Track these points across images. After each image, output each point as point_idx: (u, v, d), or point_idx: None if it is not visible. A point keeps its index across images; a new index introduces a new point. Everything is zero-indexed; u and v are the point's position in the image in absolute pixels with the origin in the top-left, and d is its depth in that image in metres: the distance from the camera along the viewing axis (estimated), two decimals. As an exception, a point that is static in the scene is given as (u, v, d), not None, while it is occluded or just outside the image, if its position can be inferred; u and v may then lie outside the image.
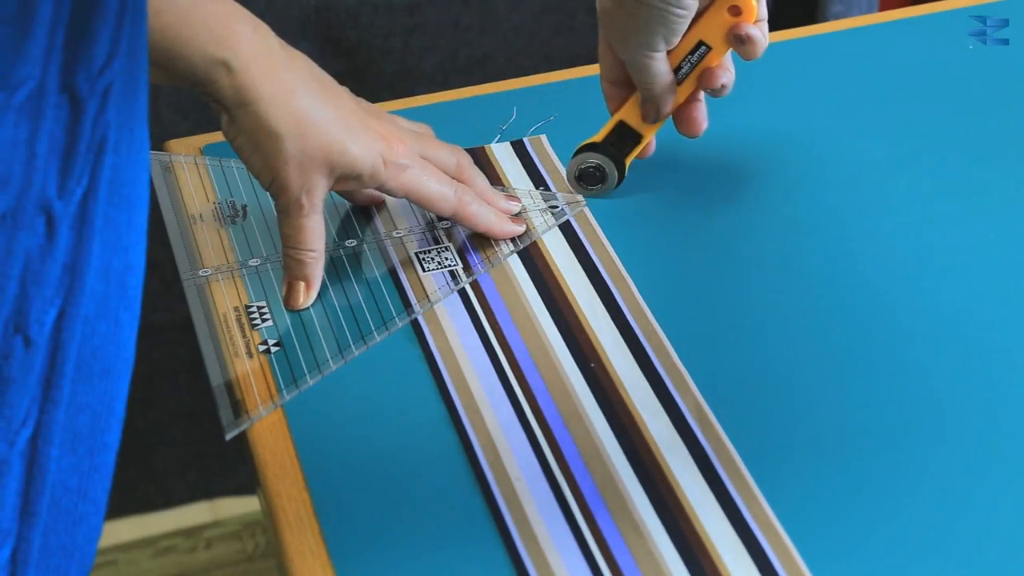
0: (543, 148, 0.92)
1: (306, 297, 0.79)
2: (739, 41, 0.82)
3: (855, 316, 0.78)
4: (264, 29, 0.77)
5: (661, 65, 0.83)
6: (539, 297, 0.80)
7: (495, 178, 0.89)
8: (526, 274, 0.82)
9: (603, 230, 0.85)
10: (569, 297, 0.80)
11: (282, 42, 0.78)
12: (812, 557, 0.65)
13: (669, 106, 0.85)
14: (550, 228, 0.85)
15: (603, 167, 0.86)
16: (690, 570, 0.65)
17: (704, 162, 0.90)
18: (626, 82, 0.86)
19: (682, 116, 0.86)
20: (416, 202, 0.82)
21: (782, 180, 0.89)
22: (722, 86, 0.84)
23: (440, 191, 0.81)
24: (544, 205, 0.86)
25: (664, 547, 0.66)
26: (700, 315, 0.79)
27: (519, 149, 0.92)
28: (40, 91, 0.52)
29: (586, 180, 0.87)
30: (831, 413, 0.73)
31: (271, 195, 0.79)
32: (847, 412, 0.73)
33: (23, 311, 0.53)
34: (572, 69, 1.00)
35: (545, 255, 0.83)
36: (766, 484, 0.68)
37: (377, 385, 0.75)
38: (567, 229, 0.85)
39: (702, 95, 0.86)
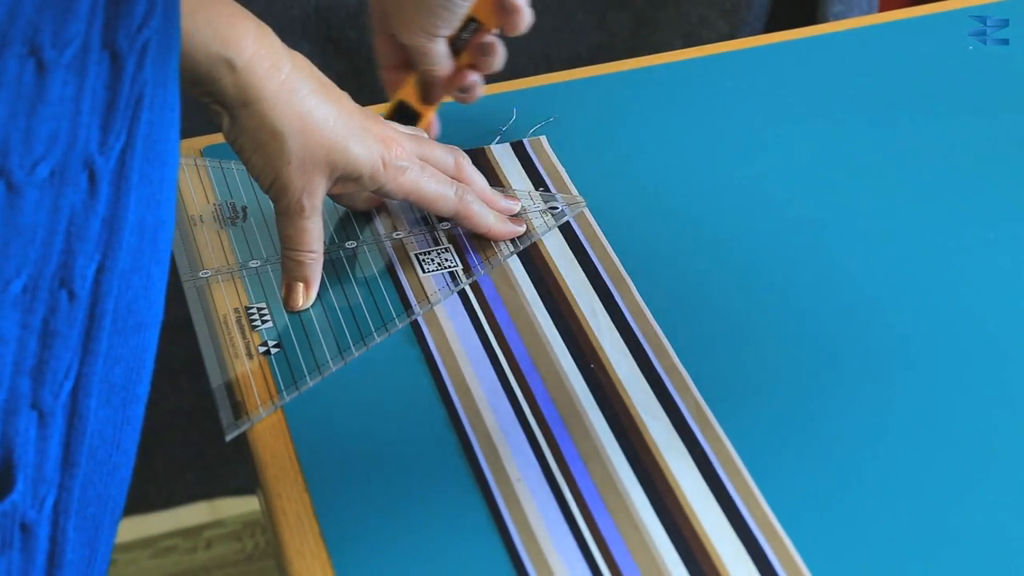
0: (543, 149, 0.92)
1: (305, 298, 0.79)
2: (505, 11, 0.86)
3: (855, 316, 0.78)
4: (266, 29, 0.77)
5: (442, 48, 0.86)
6: (539, 298, 0.80)
7: (495, 179, 0.89)
8: (526, 275, 0.82)
9: (603, 230, 0.85)
10: (569, 297, 0.80)
11: (283, 44, 0.78)
12: (812, 557, 0.65)
13: (447, 86, 0.89)
14: (550, 229, 0.85)
15: None
16: (690, 570, 0.65)
17: (704, 162, 0.91)
18: (404, 65, 0.89)
19: (458, 88, 0.90)
20: (416, 204, 0.82)
21: (782, 180, 0.89)
22: (493, 58, 0.88)
23: (440, 192, 0.81)
24: (544, 206, 0.86)
25: (664, 547, 0.66)
26: (700, 315, 0.79)
27: (519, 150, 0.92)
28: (85, 48, 0.53)
29: None
30: (831, 413, 0.73)
31: (271, 197, 0.79)
32: (847, 412, 0.73)
33: (68, 265, 0.55)
34: (572, 70, 1.00)
35: (545, 256, 0.83)
36: (766, 484, 0.69)
37: (377, 385, 0.75)
38: (567, 230, 0.85)
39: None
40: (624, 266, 0.82)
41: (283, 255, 0.80)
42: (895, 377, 0.75)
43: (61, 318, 0.55)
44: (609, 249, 0.83)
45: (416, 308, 0.79)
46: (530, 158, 0.91)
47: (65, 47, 0.53)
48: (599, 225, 0.85)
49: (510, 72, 0.96)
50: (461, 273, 0.82)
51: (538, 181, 0.89)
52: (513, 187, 0.88)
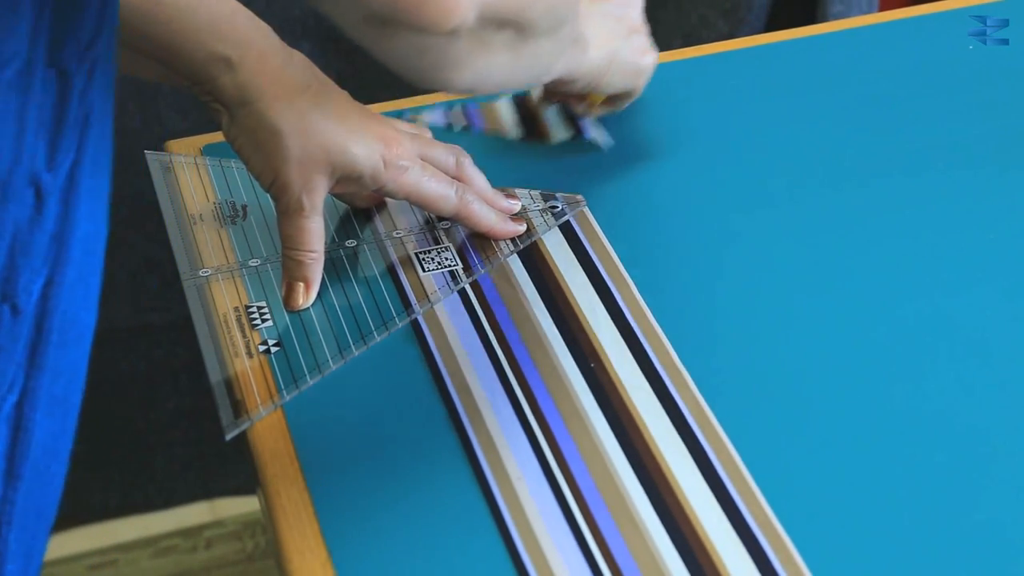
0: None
1: (306, 298, 0.79)
2: None
3: (855, 315, 0.78)
4: (266, 29, 0.77)
5: None
6: (539, 297, 0.80)
7: (538, 130, 0.91)
8: (526, 274, 0.82)
9: (603, 230, 0.85)
10: (569, 297, 0.80)
11: (283, 42, 0.78)
12: (812, 557, 0.65)
13: None
14: (550, 228, 0.85)
15: None
16: (689, 569, 0.65)
17: (704, 162, 0.90)
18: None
19: None
20: (417, 203, 0.82)
21: (782, 180, 0.89)
22: None
23: (441, 192, 0.81)
24: (544, 205, 0.86)
25: (664, 546, 0.66)
26: (700, 315, 0.79)
27: (567, 231, 0.92)
28: (28, 66, 0.53)
29: None
30: (831, 413, 0.73)
31: (272, 196, 0.79)
32: (847, 412, 0.73)
33: (11, 280, 0.55)
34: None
35: (545, 255, 0.83)
36: (766, 483, 0.69)
37: (377, 385, 0.75)
38: (567, 229, 0.85)
39: None
40: (624, 265, 0.82)
41: (283, 254, 0.80)
42: (895, 376, 0.75)
43: (4, 332, 0.55)
44: (609, 248, 0.83)
45: (416, 307, 0.79)
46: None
47: (5, 66, 0.53)
48: (599, 224, 0.85)
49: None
50: (461, 272, 0.82)
51: (579, 128, 0.91)
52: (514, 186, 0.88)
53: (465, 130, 0.93)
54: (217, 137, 0.92)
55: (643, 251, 0.83)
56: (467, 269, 0.82)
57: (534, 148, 0.92)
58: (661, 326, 0.78)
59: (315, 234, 0.79)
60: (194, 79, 0.75)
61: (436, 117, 0.94)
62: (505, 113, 0.94)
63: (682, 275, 0.82)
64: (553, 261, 0.83)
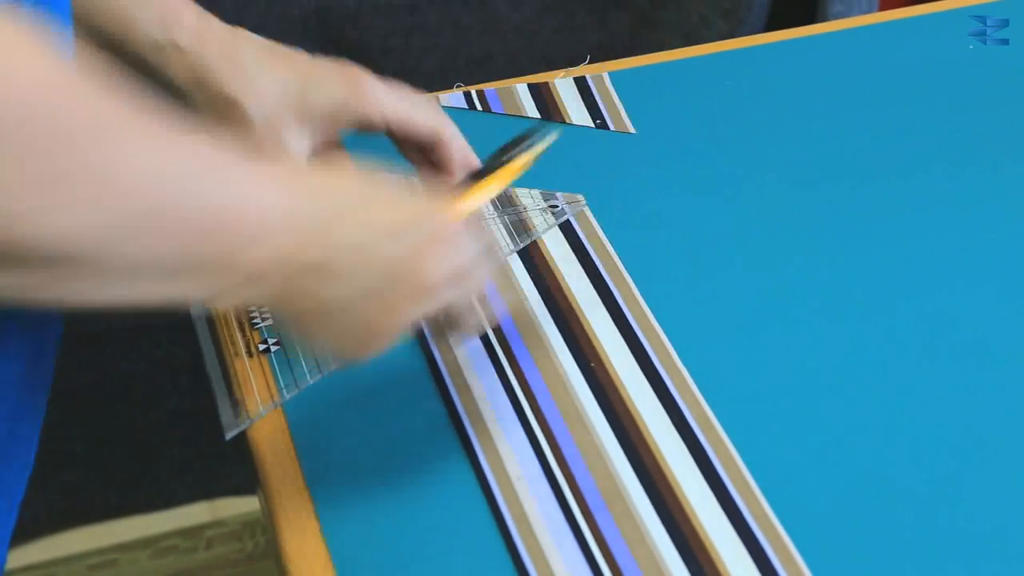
0: (605, 86, 0.93)
1: None
2: None
3: (855, 315, 0.78)
4: (208, 15, 0.78)
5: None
6: (539, 297, 0.80)
7: (556, 113, 0.93)
8: (526, 274, 0.82)
9: (603, 230, 0.85)
10: (569, 297, 0.80)
11: (224, 24, 0.78)
12: (812, 557, 0.65)
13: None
14: (550, 228, 0.85)
15: None
16: (690, 570, 0.65)
17: (704, 162, 0.91)
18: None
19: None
20: (402, 125, 0.79)
21: (782, 180, 0.89)
22: None
23: (424, 107, 0.80)
24: (544, 204, 0.87)
25: (664, 546, 0.66)
26: (701, 315, 0.79)
27: (582, 86, 0.95)
28: None
29: None
30: (831, 412, 0.73)
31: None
32: (847, 411, 0.73)
33: None
34: (572, 69, 1.00)
35: (545, 255, 0.83)
36: (766, 484, 0.69)
37: (377, 385, 0.75)
38: (567, 229, 0.85)
39: None
40: (624, 265, 0.82)
41: None
42: (896, 376, 0.75)
43: None
44: (609, 248, 0.83)
45: None
46: (592, 95, 0.93)
47: None
48: (599, 224, 0.85)
49: (512, 72, 0.96)
50: None
51: (597, 114, 0.94)
52: (527, 183, 0.89)
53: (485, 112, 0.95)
54: (217, 137, 0.92)
55: (643, 251, 0.83)
56: None
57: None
58: (661, 326, 0.78)
59: None
60: (146, 70, 0.76)
61: (455, 101, 0.95)
62: (523, 96, 0.95)
63: (682, 275, 0.82)
64: (553, 261, 0.83)
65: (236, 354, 0.77)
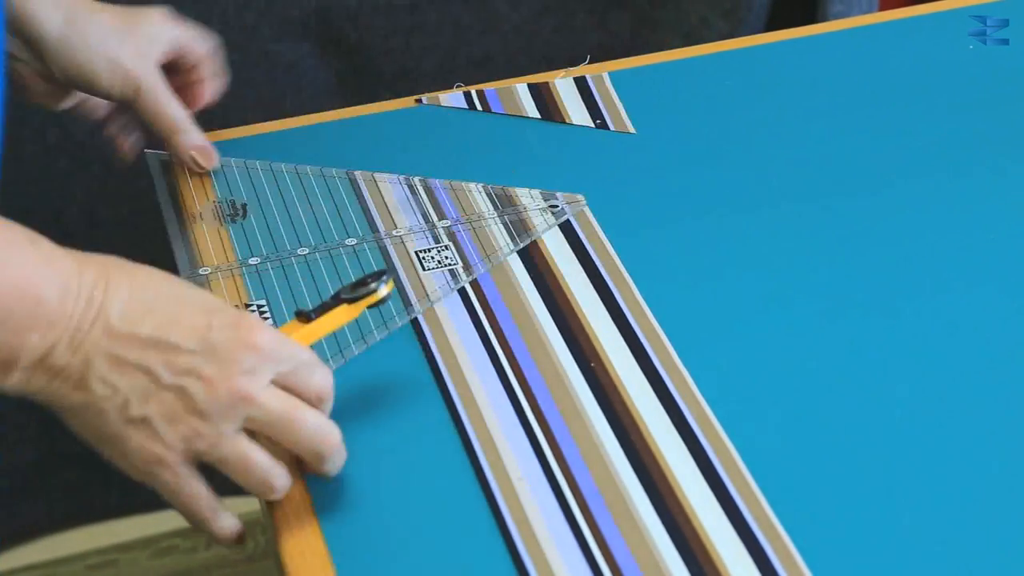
0: (605, 86, 0.93)
1: (213, 156, 0.88)
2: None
3: (855, 315, 0.78)
4: None
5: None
6: (539, 297, 0.80)
7: (556, 113, 0.93)
8: (526, 274, 0.82)
9: (603, 230, 0.85)
10: (569, 297, 0.80)
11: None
12: (812, 556, 0.65)
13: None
14: (550, 228, 0.85)
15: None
16: (690, 570, 0.65)
17: (704, 161, 0.91)
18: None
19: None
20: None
21: (782, 180, 0.89)
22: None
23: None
24: (544, 204, 0.86)
25: (664, 546, 0.66)
26: (700, 315, 0.79)
27: (582, 86, 0.95)
28: None
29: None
30: (832, 412, 0.73)
31: (128, 94, 0.85)
32: (848, 411, 0.73)
33: None
34: (572, 69, 1.00)
35: (545, 255, 0.83)
36: (766, 483, 0.68)
37: (377, 385, 0.75)
38: (567, 229, 0.85)
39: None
40: (624, 264, 0.82)
41: (168, 138, 0.87)
42: (896, 376, 0.75)
43: None
44: (609, 248, 0.83)
45: (416, 306, 0.79)
46: (592, 94, 0.92)
47: None
48: (599, 224, 0.85)
49: (512, 72, 0.96)
50: (461, 271, 0.82)
51: (597, 114, 0.93)
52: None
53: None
54: (216, 137, 0.92)
55: (643, 251, 0.83)
56: (467, 267, 0.82)
57: (540, 143, 0.92)
58: (661, 326, 0.78)
59: (176, 101, 0.86)
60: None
61: (455, 101, 0.94)
62: (523, 96, 0.95)
63: (682, 275, 0.82)
64: (553, 261, 0.83)
65: None
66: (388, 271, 0.74)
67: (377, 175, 0.89)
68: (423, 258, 0.83)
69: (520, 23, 1.38)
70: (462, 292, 0.81)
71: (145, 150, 0.91)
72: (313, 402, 0.67)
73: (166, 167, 0.91)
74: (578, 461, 0.70)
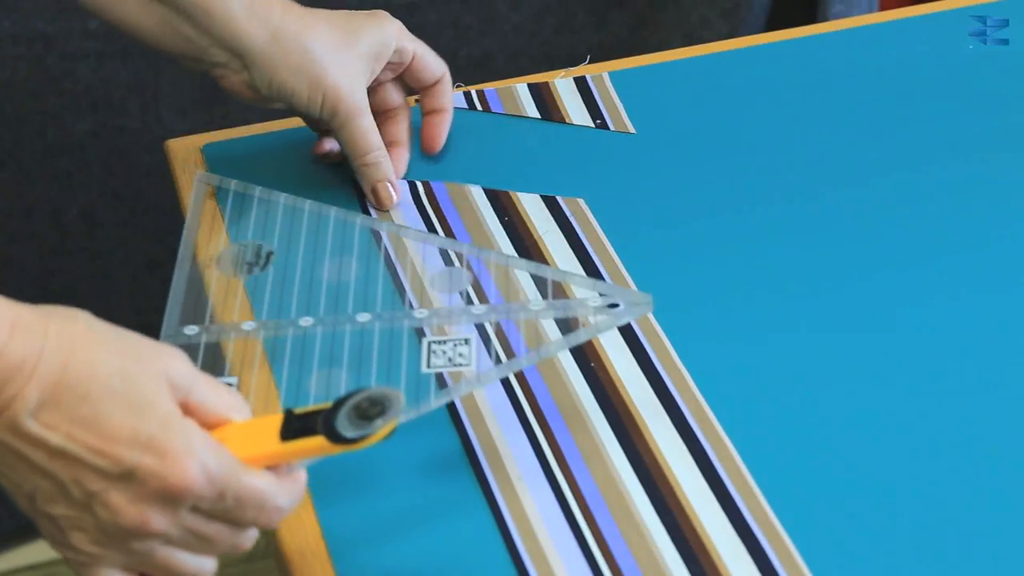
0: (605, 86, 0.92)
1: (396, 195, 0.86)
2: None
3: (855, 315, 0.78)
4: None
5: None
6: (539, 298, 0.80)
7: (556, 113, 0.94)
8: (527, 275, 0.82)
9: (603, 230, 0.85)
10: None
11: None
12: (812, 556, 0.65)
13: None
14: (603, 330, 0.74)
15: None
16: (690, 569, 0.65)
17: (704, 161, 0.91)
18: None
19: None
20: (420, 57, 0.89)
21: (782, 179, 0.89)
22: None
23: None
24: (600, 303, 0.73)
25: (664, 546, 0.66)
26: (701, 314, 0.79)
27: (582, 86, 0.95)
28: None
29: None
30: (832, 412, 0.73)
31: (326, 115, 0.83)
32: (848, 412, 0.73)
33: None
34: (572, 69, 1.00)
35: (545, 255, 0.83)
36: (766, 483, 0.69)
37: (377, 385, 0.75)
38: (567, 229, 0.85)
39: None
40: (624, 265, 0.82)
41: (357, 166, 0.86)
42: (896, 376, 0.75)
43: None
44: (609, 248, 0.83)
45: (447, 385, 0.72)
46: (592, 94, 0.92)
47: None
48: (599, 224, 0.85)
49: (512, 72, 0.96)
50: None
51: (596, 114, 0.93)
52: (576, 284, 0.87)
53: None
54: (217, 136, 0.92)
55: (643, 250, 0.83)
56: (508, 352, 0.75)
57: (540, 144, 0.92)
58: (661, 325, 0.78)
59: (376, 131, 0.86)
60: (215, 38, 0.80)
61: (456, 101, 0.95)
62: (523, 96, 0.95)
63: (682, 274, 0.82)
64: (554, 261, 0.83)
65: None
66: (395, 401, 0.60)
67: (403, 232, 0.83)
68: (432, 351, 0.73)
69: (520, 23, 1.38)
70: (463, 295, 0.80)
71: (197, 173, 0.86)
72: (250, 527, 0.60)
73: (207, 194, 0.85)
74: (578, 460, 0.70)
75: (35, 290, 1.40)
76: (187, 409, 0.58)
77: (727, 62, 1.00)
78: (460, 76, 0.99)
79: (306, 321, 0.75)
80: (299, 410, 0.60)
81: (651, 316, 0.78)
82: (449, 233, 0.85)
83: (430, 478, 0.70)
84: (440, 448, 0.71)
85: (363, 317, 0.75)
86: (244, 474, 0.58)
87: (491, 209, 0.87)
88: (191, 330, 0.74)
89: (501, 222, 0.86)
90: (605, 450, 0.71)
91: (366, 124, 0.85)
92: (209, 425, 0.59)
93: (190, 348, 0.73)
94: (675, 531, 0.66)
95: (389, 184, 0.86)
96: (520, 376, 0.75)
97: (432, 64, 0.89)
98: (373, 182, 0.86)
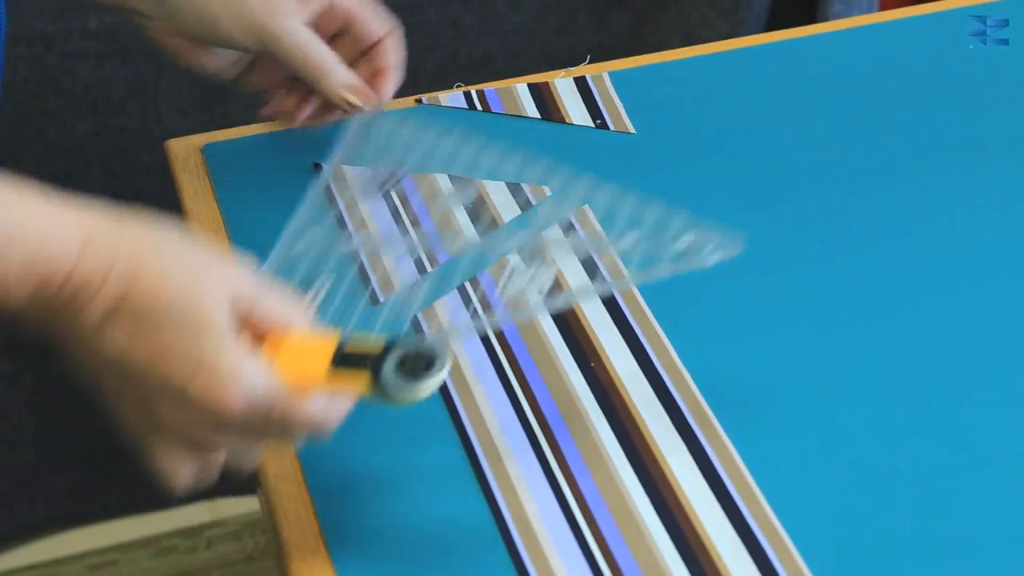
0: (605, 86, 0.92)
1: (370, 96, 0.84)
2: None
3: (855, 314, 0.78)
4: None
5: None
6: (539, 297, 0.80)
7: (556, 113, 0.93)
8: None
9: (603, 230, 0.85)
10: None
11: None
12: (812, 557, 0.65)
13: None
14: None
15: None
16: (690, 569, 0.65)
17: (704, 161, 0.91)
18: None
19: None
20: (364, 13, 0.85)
21: (781, 180, 0.89)
22: None
23: None
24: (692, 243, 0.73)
25: (664, 546, 0.66)
26: (701, 315, 0.79)
27: (582, 86, 0.95)
28: None
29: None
30: (832, 412, 0.73)
31: (263, 39, 0.81)
32: (848, 412, 0.73)
33: None
34: (572, 69, 1.00)
35: (545, 255, 0.83)
36: (766, 483, 0.69)
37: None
38: (567, 229, 0.85)
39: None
40: (624, 265, 0.82)
41: (313, 85, 0.83)
42: (896, 375, 0.75)
43: None
44: (609, 248, 0.83)
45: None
46: (592, 94, 0.92)
47: None
48: (600, 224, 0.85)
49: (512, 72, 0.96)
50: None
51: (596, 114, 0.92)
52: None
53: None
54: (218, 136, 0.92)
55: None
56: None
57: (540, 144, 0.92)
58: (661, 324, 0.78)
59: (317, 41, 0.83)
60: None
61: (455, 101, 0.95)
62: (523, 96, 0.95)
63: (682, 274, 0.82)
64: (553, 261, 0.83)
65: None
66: (441, 359, 0.61)
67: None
68: None
69: (520, 23, 1.38)
70: (462, 290, 0.81)
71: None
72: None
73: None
74: (578, 460, 0.70)
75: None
76: (250, 321, 0.61)
77: (727, 62, 1.00)
78: (460, 76, 0.99)
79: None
80: (351, 346, 0.62)
81: (651, 316, 0.78)
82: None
83: (430, 478, 0.70)
84: (440, 448, 0.71)
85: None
86: (289, 401, 0.60)
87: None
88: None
89: (501, 222, 0.86)
90: (605, 450, 0.71)
91: (307, 41, 0.81)
92: (270, 337, 0.61)
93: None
94: (675, 531, 0.66)
95: (355, 85, 0.83)
96: (520, 376, 0.75)
97: (373, 24, 0.85)
98: (338, 88, 0.82)
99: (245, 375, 0.59)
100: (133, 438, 0.62)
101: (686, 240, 0.71)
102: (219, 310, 0.59)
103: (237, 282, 0.60)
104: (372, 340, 0.62)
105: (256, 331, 0.61)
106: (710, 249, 0.70)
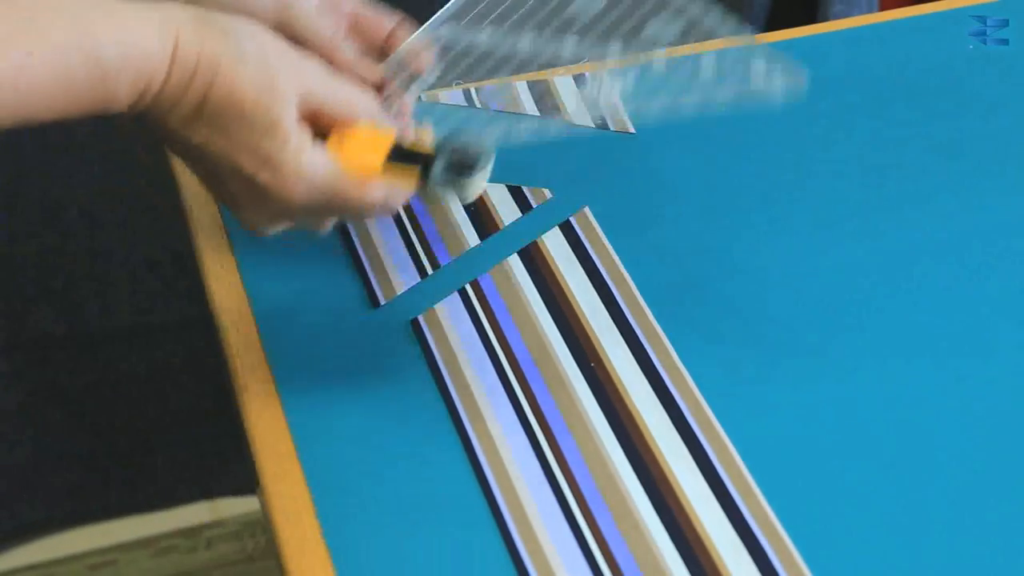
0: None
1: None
2: None
3: (855, 314, 0.78)
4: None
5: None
6: (539, 297, 0.80)
7: (556, 112, 0.94)
8: (527, 274, 0.82)
9: (603, 230, 0.85)
10: (569, 297, 0.80)
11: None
12: (812, 556, 0.65)
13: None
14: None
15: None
16: (690, 569, 0.65)
17: (704, 161, 0.91)
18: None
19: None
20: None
21: (781, 180, 0.89)
22: None
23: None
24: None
25: (664, 546, 0.66)
26: (700, 315, 0.79)
27: (581, 84, 0.95)
28: None
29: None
30: (832, 412, 0.73)
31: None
32: (848, 412, 0.73)
33: None
34: (572, 68, 1.00)
35: (545, 255, 0.83)
36: (766, 483, 0.69)
37: (377, 385, 0.75)
38: (567, 229, 0.85)
39: None
40: (624, 264, 0.82)
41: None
42: (896, 376, 0.75)
43: None
44: (609, 248, 0.83)
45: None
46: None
47: None
48: (599, 224, 0.85)
49: (512, 71, 0.96)
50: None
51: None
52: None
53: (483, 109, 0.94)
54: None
55: (643, 251, 0.83)
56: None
57: (540, 143, 0.92)
58: (661, 324, 0.78)
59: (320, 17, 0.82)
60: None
61: (455, 99, 0.95)
62: (523, 96, 0.95)
63: (682, 274, 0.82)
64: (554, 261, 0.83)
65: None
66: (484, 159, 0.67)
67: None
68: None
69: (520, 23, 1.38)
70: (463, 293, 0.81)
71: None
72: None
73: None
74: (578, 461, 0.70)
75: (35, 290, 1.40)
76: (319, 115, 0.68)
77: (727, 62, 1.00)
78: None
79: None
80: (408, 144, 0.69)
81: (651, 316, 0.78)
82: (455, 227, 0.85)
83: (430, 478, 0.70)
84: (440, 448, 0.71)
85: None
86: (348, 189, 0.68)
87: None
88: None
89: (501, 222, 0.86)
90: (605, 450, 0.71)
91: (310, 16, 0.79)
92: (335, 129, 0.69)
93: None
94: (675, 530, 0.66)
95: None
96: (520, 376, 0.75)
97: (382, 18, 0.83)
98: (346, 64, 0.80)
99: (306, 170, 0.67)
100: (218, 202, 0.75)
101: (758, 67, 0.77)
102: (287, 111, 0.66)
103: (307, 80, 0.67)
104: (427, 140, 0.69)
105: (324, 123, 0.68)
106: (778, 72, 0.76)
